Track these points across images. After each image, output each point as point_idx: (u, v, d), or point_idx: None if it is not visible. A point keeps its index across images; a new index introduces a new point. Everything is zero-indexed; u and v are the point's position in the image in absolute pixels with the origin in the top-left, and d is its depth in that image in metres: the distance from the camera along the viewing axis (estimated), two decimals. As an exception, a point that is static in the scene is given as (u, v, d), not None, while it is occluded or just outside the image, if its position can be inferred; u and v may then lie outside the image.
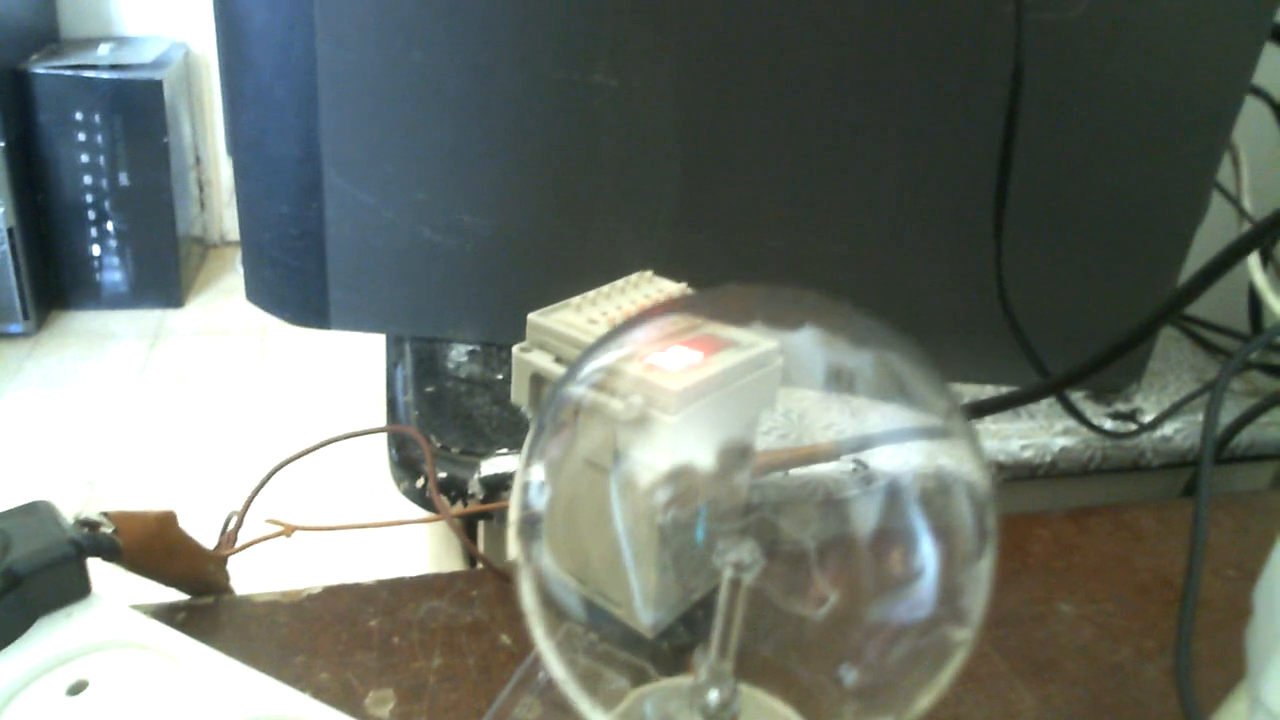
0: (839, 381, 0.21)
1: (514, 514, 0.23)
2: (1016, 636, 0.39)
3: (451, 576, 0.39)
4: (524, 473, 0.24)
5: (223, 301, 2.41)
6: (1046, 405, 0.54)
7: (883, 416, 0.21)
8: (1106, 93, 0.48)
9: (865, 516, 0.21)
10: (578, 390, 0.25)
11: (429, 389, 0.50)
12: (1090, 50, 0.47)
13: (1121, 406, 0.56)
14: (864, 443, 0.22)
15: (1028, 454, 0.51)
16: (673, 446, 0.26)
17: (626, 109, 0.48)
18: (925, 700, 0.20)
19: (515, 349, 0.33)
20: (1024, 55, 0.46)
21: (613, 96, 0.47)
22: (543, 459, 0.24)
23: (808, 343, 0.21)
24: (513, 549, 0.23)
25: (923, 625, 0.20)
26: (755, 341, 0.28)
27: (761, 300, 0.25)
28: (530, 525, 0.23)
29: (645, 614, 0.26)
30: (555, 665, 0.22)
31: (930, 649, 0.20)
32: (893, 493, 0.21)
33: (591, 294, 0.34)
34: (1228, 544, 0.46)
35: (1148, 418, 0.54)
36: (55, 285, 2.26)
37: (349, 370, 2.13)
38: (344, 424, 1.87)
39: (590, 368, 0.25)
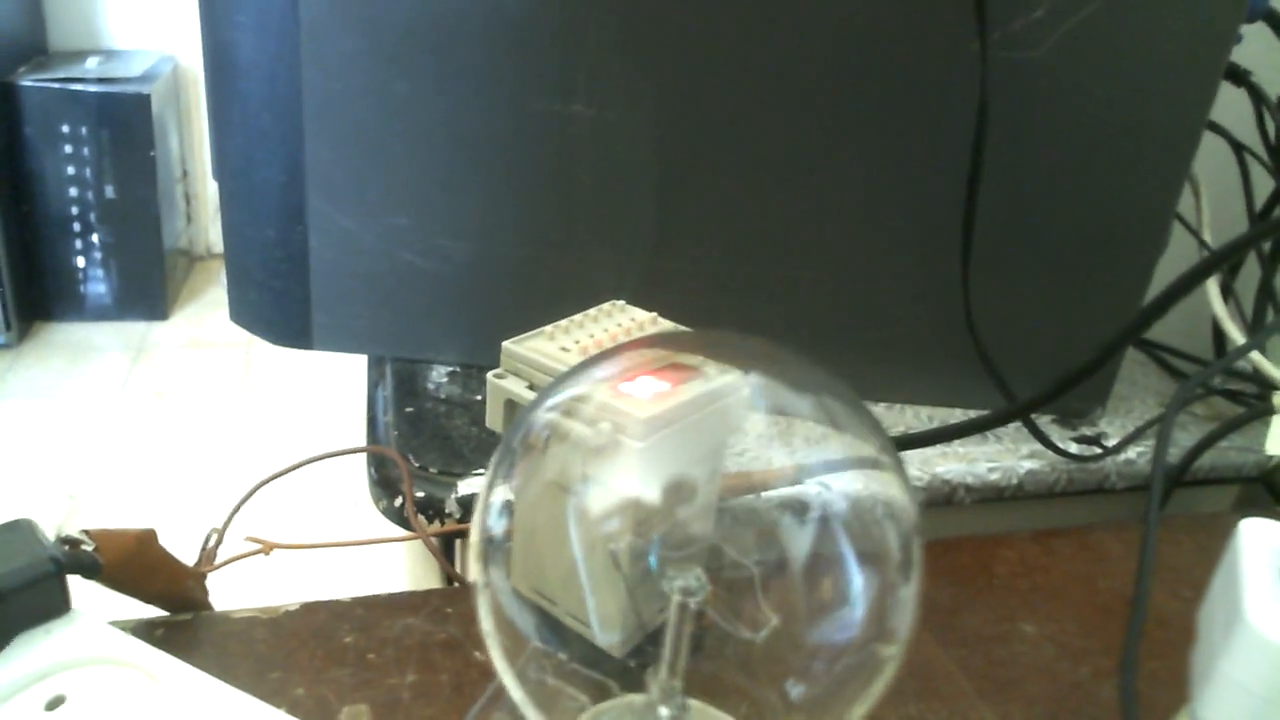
0: (780, 421, 0.22)
1: (475, 536, 0.24)
2: (980, 656, 0.40)
3: (427, 594, 0.40)
4: (488, 496, 0.25)
5: (207, 315, 2.40)
6: (1014, 429, 0.55)
7: (820, 453, 0.22)
8: (1070, 127, 0.50)
9: (804, 545, 0.22)
10: (546, 416, 0.26)
11: (409, 409, 0.51)
12: (1053, 87, 0.49)
13: (1087, 431, 0.57)
14: (816, 470, 0.23)
15: (994, 476, 0.52)
16: (639, 473, 0.27)
17: (604, 139, 0.49)
18: (859, 710, 0.21)
19: (490, 375, 0.34)
20: (989, 91, 0.47)
21: (590, 126, 0.48)
22: (509, 483, 0.25)
23: (753, 386, 0.23)
24: (473, 570, 0.24)
25: (857, 643, 0.21)
26: (721, 372, 0.29)
27: (712, 346, 0.26)
28: (491, 547, 0.24)
29: (606, 635, 0.27)
30: (512, 684, 0.23)
31: (863, 665, 0.21)
32: (832, 523, 0.22)
33: (564, 322, 0.35)
34: (1187, 565, 0.48)
35: (1112, 442, 0.56)
36: (39, 297, 2.25)
37: (332, 385, 2.13)
38: (325, 441, 1.87)
39: (559, 396, 0.26)
